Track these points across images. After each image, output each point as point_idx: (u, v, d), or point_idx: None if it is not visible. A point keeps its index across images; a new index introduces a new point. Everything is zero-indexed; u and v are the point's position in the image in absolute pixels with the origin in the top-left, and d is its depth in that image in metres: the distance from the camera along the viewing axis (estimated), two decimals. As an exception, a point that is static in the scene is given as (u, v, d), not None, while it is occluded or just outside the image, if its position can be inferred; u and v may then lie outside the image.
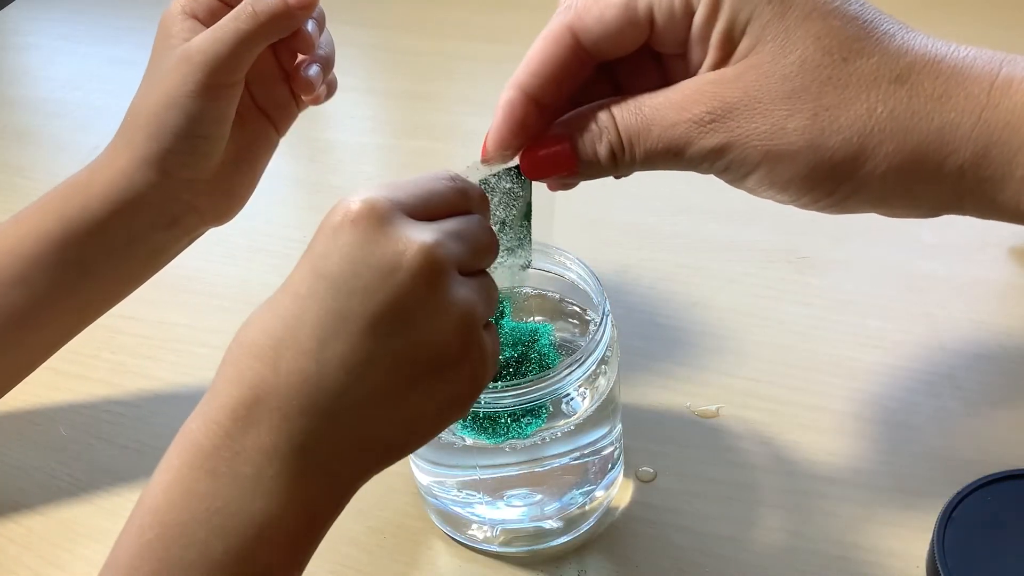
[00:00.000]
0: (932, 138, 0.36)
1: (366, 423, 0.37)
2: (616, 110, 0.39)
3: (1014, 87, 0.35)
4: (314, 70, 0.56)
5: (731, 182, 0.39)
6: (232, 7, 0.53)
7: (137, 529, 0.36)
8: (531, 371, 0.50)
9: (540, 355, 0.51)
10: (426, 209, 0.39)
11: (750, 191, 0.39)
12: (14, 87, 1.04)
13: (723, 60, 0.37)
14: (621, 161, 0.40)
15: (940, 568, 0.48)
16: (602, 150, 0.39)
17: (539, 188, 0.43)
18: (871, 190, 0.38)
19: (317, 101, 0.57)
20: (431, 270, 0.37)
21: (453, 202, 0.40)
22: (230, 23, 0.51)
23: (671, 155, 0.38)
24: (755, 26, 0.36)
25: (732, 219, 0.73)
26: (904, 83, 0.36)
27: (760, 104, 0.36)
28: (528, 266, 0.46)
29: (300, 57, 0.56)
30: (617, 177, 0.41)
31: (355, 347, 0.36)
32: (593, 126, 0.39)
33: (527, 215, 0.44)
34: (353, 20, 1.05)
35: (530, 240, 0.45)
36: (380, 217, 0.37)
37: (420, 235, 0.37)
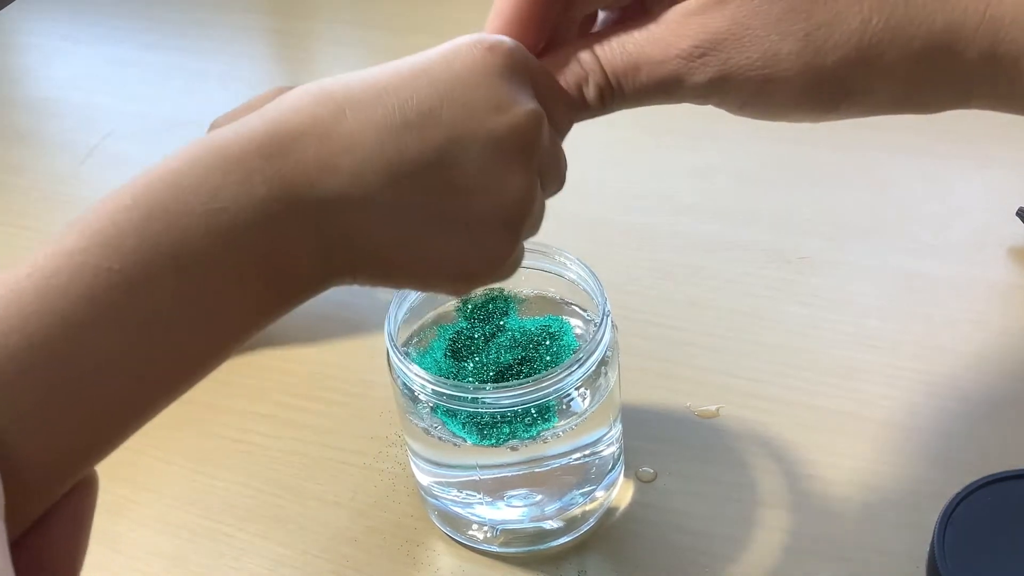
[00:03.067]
0: (935, 41, 0.34)
1: (376, 224, 0.34)
2: (600, 50, 0.37)
3: None
4: None
5: (727, 110, 0.38)
6: None
7: (120, 194, 0.32)
8: (535, 371, 0.50)
9: (553, 355, 0.51)
10: (544, 93, 0.38)
11: (747, 116, 0.38)
12: (14, 87, 1.04)
13: None
14: (610, 101, 0.38)
15: (940, 568, 0.48)
16: (591, 92, 0.38)
17: None
18: (875, 100, 0.36)
19: None
20: (530, 138, 0.36)
21: (557, 121, 0.39)
22: None
23: (662, 92, 0.37)
24: None
25: (732, 219, 0.73)
26: None
27: (749, 31, 0.35)
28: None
29: None
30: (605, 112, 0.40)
31: (422, 150, 0.34)
32: (578, 68, 0.38)
33: None
34: (353, 20, 1.05)
35: None
36: (518, 64, 0.36)
37: (538, 108, 0.36)
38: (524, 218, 0.37)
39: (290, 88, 0.66)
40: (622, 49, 0.37)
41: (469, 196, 0.35)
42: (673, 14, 0.36)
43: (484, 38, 0.36)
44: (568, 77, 0.38)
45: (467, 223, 0.36)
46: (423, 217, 0.35)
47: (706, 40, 0.35)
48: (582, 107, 0.39)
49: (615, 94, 0.38)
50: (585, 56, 0.38)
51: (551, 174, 0.39)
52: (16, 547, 0.27)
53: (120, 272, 0.30)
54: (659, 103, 0.38)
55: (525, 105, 0.36)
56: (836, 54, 0.34)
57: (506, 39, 0.37)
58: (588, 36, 0.39)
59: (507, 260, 0.38)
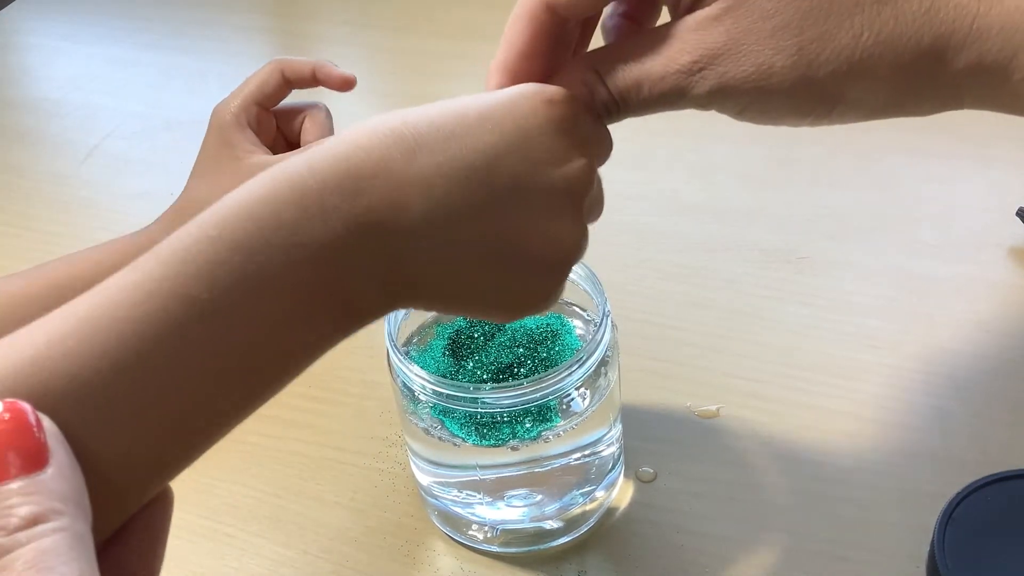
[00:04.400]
0: (924, 54, 0.35)
1: (440, 260, 0.36)
2: (603, 69, 0.39)
3: None
4: None
5: (728, 115, 0.39)
6: (273, 115, 0.63)
7: (204, 225, 0.33)
8: (535, 371, 0.50)
9: (549, 355, 0.51)
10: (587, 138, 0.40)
11: (746, 121, 0.39)
12: (14, 87, 1.04)
13: (697, 1, 0.37)
14: (616, 115, 0.40)
15: (940, 568, 0.48)
16: (598, 110, 0.40)
17: None
18: (867, 107, 0.38)
19: None
20: (582, 190, 0.38)
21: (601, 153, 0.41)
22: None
23: (665, 104, 0.39)
24: None
25: (732, 219, 0.73)
26: (888, 2, 0.35)
27: (744, 46, 0.36)
28: None
29: None
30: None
31: (487, 196, 0.35)
32: (584, 88, 0.39)
33: None
34: (353, 20, 1.05)
35: None
36: (573, 116, 0.38)
37: (590, 162, 0.38)
38: (574, 260, 0.39)
39: (284, 60, 0.67)
40: (624, 67, 0.39)
41: (526, 240, 0.37)
42: (672, 29, 0.38)
43: (544, 89, 0.38)
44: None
45: (523, 264, 0.37)
46: (483, 257, 0.36)
47: (704, 55, 0.37)
48: None
49: (620, 109, 0.40)
50: (590, 76, 0.39)
51: (595, 209, 0.41)
52: (98, 556, 0.29)
53: (208, 301, 0.31)
54: (662, 111, 0.39)
55: (579, 159, 0.38)
56: (827, 68, 0.36)
57: (563, 91, 0.38)
58: (591, 54, 0.40)
59: (555, 295, 0.40)
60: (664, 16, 0.41)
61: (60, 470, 0.28)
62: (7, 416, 0.27)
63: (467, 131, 0.36)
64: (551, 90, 0.38)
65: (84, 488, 0.28)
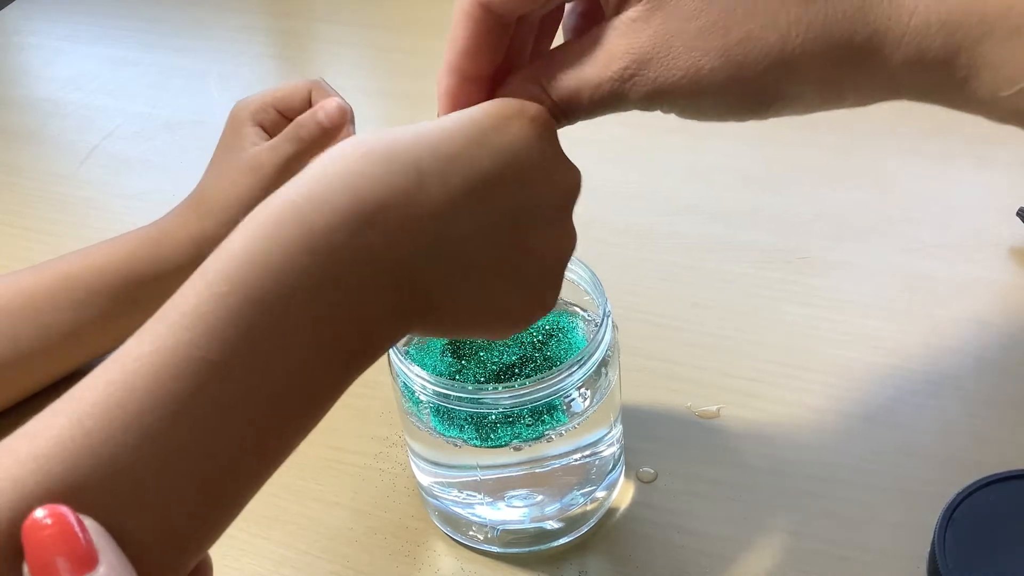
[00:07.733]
0: (858, 50, 0.35)
1: (451, 280, 0.36)
2: (544, 78, 0.39)
3: None
4: None
5: (671, 114, 0.39)
6: (290, 120, 0.65)
7: (212, 279, 0.32)
8: (538, 370, 0.50)
9: (549, 355, 0.51)
10: None
11: (690, 119, 0.39)
12: (14, 87, 1.04)
13: (625, 1, 0.37)
14: (563, 120, 0.40)
15: (940, 568, 0.48)
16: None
17: None
18: (805, 102, 0.37)
19: None
20: (575, 195, 0.40)
21: None
22: (284, 143, 0.63)
23: (607, 108, 0.39)
24: None
25: (732, 219, 0.73)
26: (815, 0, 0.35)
27: (672, 50, 0.36)
28: None
29: None
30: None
31: (496, 215, 0.36)
32: (528, 97, 0.39)
33: None
34: (353, 20, 1.05)
35: None
36: (554, 131, 0.39)
37: (577, 168, 0.40)
38: (567, 263, 0.40)
39: (323, 84, 0.67)
40: (563, 74, 0.39)
41: (529, 253, 0.38)
42: (604, 33, 0.38)
43: (525, 108, 0.38)
44: None
45: (527, 275, 0.38)
46: (492, 274, 0.37)
47: (633, 61, 0.37)
48: None
49: (565, 114, 0.39)
50: (532, 86, 0.39)
51: None
52: None
53: (222, 363, 0.31)
54: (611, 113, 0.39)
55: (569, 166, 0.39)
56: (757, 68, 0.35)
57: (541, 107, 0.39)
58: (534, 64, 0.40)
59: (555, 300, 0.40)
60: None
61: (111, 568, 0.28)
62: (50, 522, 0.27)
63: (464, 153, 0.36)
64: (530, 107, 0.38)
65: None
